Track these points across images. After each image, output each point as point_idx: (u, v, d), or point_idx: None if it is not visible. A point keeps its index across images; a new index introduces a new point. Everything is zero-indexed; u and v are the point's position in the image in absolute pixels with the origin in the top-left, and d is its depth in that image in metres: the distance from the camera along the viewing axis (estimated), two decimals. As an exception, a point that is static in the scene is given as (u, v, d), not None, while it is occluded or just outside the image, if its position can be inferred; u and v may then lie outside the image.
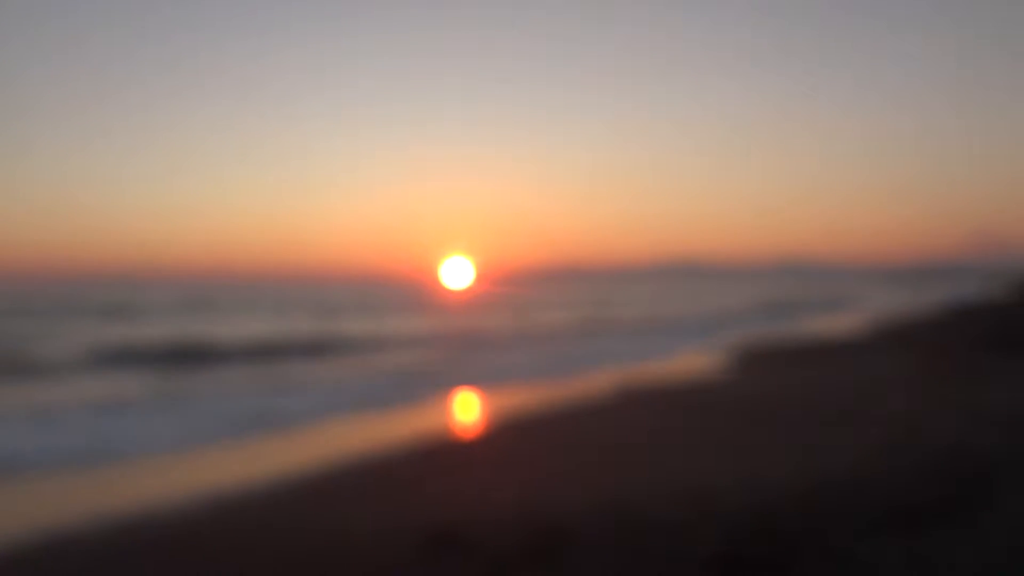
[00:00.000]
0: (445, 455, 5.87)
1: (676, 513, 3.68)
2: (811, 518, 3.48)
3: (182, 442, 6.33)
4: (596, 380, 10.10)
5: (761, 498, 3.85)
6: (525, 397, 8.90)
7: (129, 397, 9.11)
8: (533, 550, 3.25)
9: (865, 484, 4.06)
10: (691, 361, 12.44)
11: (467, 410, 8.37)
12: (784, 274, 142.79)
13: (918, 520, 3.36)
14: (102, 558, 3.62)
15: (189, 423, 7.08)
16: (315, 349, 15.43)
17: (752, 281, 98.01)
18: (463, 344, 17.70)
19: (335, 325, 22.49)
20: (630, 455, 5.38)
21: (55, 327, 20.32)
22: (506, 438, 6.49)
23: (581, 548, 3.26)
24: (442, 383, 10.41)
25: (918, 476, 4.16)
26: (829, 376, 9.29)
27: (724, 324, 22.99)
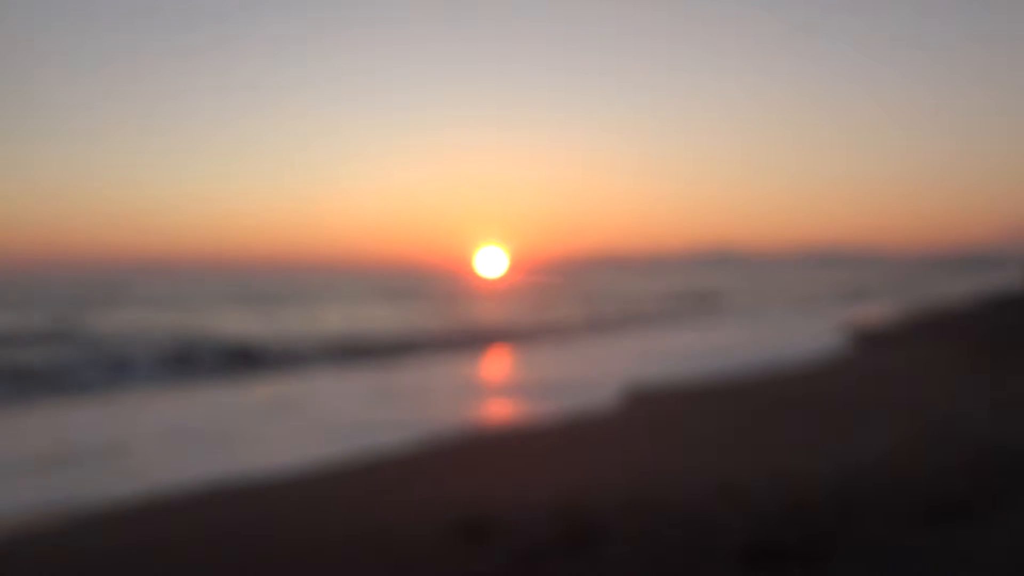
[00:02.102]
0: (490, 447, 5.93)
1: (711, 507, 3.72)
2: (845, 513, 3.49)
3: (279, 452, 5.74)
4: (654, 377, 9.48)
5: (796, 492, 3.86)
6: (574, 391, 8.59)
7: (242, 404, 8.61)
8: (566, 541, 3.28)
9: (899, 479, 4.07)
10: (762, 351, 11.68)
11: (519, 402, 8.02)
12: (824, 263, 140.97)
13: (952, 516, 3.37)
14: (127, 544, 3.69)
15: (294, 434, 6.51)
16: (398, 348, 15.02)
17: (792, 270, 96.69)
18: (552, 333, 17.47)
19: (419, 319, 22.06)
20: (666, 451, 5.37)
21: (132, 320, 20.06)
22: (550, 432, 6.44)
23: (614, 540, 3.27)
24: (509, 377, 10.30)
25: (952, 471, 4.16)
26: (865, 369, 9.15)
27: (806, 312, 23.01)
